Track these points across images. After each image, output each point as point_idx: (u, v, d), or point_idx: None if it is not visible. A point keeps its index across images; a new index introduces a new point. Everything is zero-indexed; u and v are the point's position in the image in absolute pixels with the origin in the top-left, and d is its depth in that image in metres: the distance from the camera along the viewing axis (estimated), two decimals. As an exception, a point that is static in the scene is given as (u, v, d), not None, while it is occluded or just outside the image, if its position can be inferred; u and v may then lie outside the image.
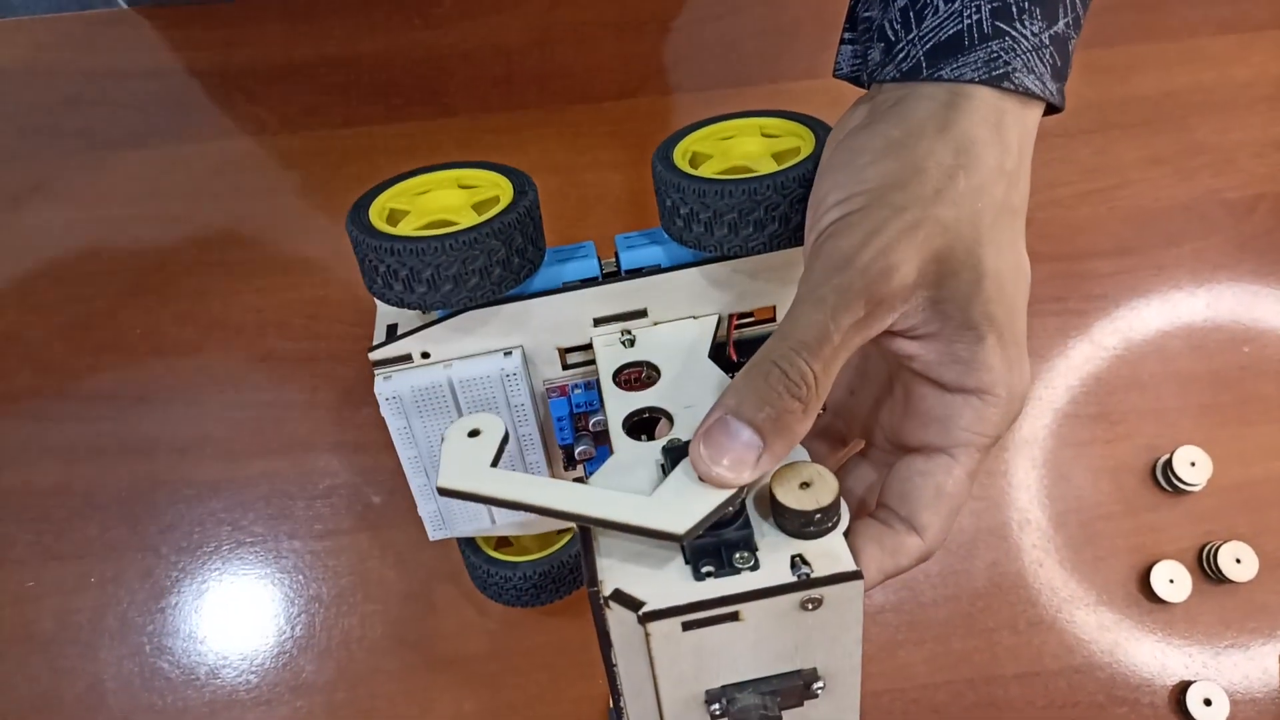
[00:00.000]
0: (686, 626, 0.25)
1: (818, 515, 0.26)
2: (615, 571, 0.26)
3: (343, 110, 0.57)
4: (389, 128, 0.56)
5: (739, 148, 0.34)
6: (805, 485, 0.26)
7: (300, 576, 0.47)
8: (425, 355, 0.34)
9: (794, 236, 0.32)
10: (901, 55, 0.29)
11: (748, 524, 0.27)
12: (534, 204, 0.33)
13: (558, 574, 0.42)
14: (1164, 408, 0.51)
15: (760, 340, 0.39)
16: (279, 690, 0.45)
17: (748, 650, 0.26)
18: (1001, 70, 0.27)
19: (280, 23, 0.59)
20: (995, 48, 0.27)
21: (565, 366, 0.36)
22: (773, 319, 0.37)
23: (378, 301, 0.38)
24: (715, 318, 0.35)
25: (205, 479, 0.49)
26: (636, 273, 0.34)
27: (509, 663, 0.46)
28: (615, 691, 0.28)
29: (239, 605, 0.47)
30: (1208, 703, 0.45)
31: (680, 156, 0.34)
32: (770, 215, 0.31)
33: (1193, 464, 0.48)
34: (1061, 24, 0.28)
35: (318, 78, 0.58)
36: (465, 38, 0.59)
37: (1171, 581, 0.47)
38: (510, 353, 0.34)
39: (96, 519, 0.48)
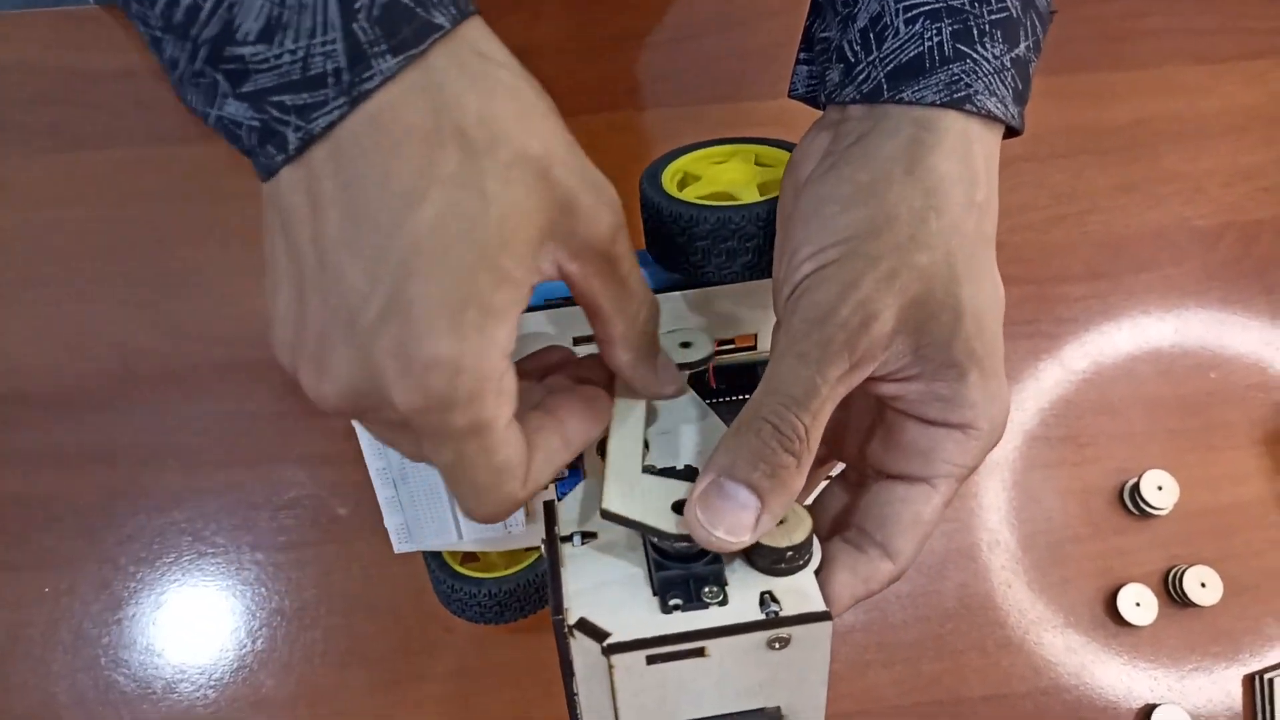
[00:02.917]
0: (651, 660, 0.25)
1: (789, 553, 0.25)
2: (582, 599, 0.26)
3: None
4: (364, 135, 0.56)
5: (728, 173, 0.34)
6: (779, 522, 0.26)
7: (262, 589, 0.46)
8: None
9: (767, 270, 0.32)
10: (862, 76, 0.28)
11: (718, 559, 0.26)
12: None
13: (524, 592, 0.41)
14: (1132, 432, 0.51)
15: (740, 368, 0.39)
16: (238, 706, 0.44)
17: (712, 686, 0.26)
18: (964, 93, 0.27)
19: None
20: (956, 70, 0.27)
21: None
22: (753, 346, 0.37)
23: None
24: None
25: (167, 489, 0.48)
26: None
27: (475, 681, 0.45)
28: (573, 713, 0.28)
29: (199, 618, 0.46)
30: (1172, 726, 0.46)
31: (669, 176, 0.34)
32: (744, 246, 0.31)
33: (1160, 488, 0.49)
34: (1022, 47, 0.28)
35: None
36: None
37: (1138, 605, 0.47)
38: None
39: (54, 529, 0.47)
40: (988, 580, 0.48)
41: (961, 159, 0.27)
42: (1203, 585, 0.47)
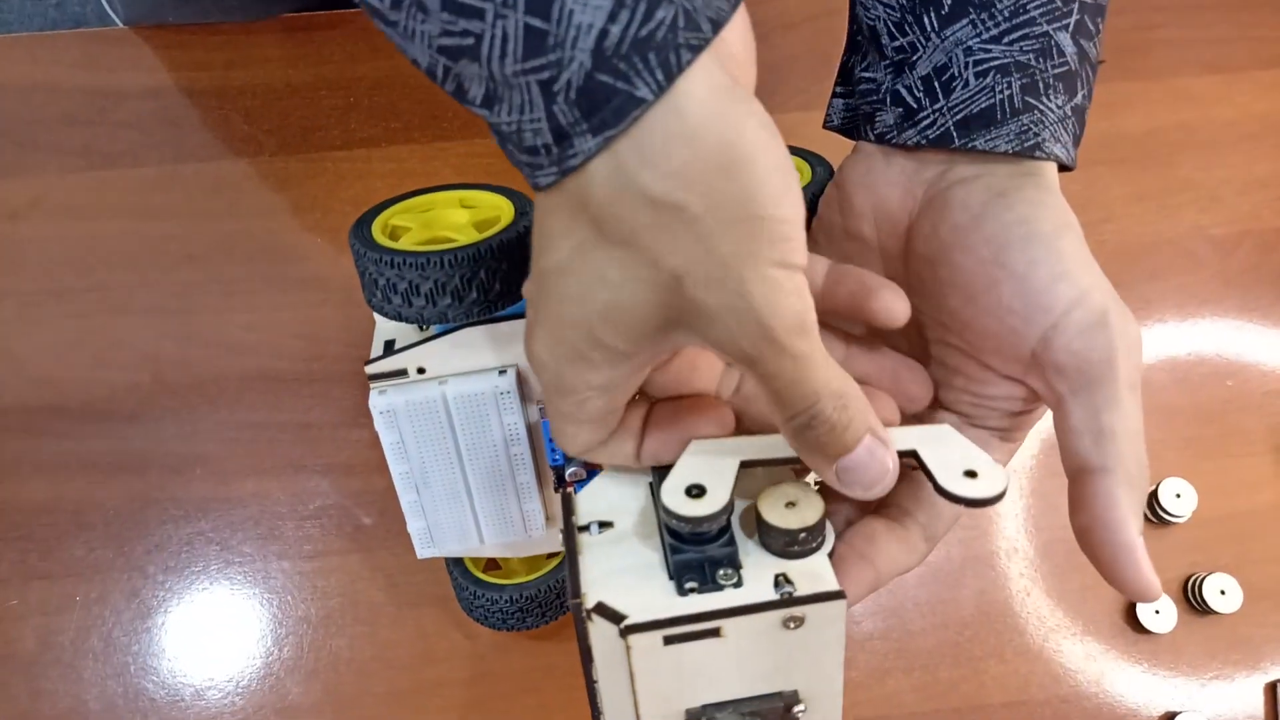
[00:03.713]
0: (668, 641, 0.25)
1: (802, 534, 0.26)
2: (599, 585, 0.26)
3: (340, 133, 0.57)
4: (386, 150, 0.57)
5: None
6: (791, 504, 0.26)
7: (289, 597, 0.47)
8: (421, 371, 0.35)
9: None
10: (927, 122, 0.30)
11: (732, 541, 0.27)
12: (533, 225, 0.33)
13: (545, 598, 0.42)
14: (1149, 439, 0.51)
15: None
16: (264, 713, 0.45)
17: (729, 668, 0.26)
18: (1033, 141, 0.29)
19: (279, 45, 0.59)
20: (1025, 121, 0.29)
21: None
22: None
23: (376, 317, 0.38)
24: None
25: (195, 499, 0.49)
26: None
27: (496, 687, 0.46)
28: (596, 710, 0.28)
29: (226, 626, 0.46)
30: (1193, 734, 0.46)
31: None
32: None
33: (1178, 495, 0.49)
34: (1080, 96, 0.30)
35: (316, 100, 0.58)
36: (464, 64, 0.59)
37: (1157, 612, 0.47)
38: (504, 371, 0.35)
39: (83, 538, 0.48)
40: (1006, 588, 0.49)
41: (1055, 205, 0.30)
42: (1222, 593, 0.47)
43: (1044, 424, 0.51)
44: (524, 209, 0.34)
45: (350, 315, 0.52)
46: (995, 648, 0.47)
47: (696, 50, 0.22)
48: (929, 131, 0.30)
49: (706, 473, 0.27)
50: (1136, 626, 0.47)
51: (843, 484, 0.26)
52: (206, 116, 0.58)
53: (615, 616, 0.25)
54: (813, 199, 0.34)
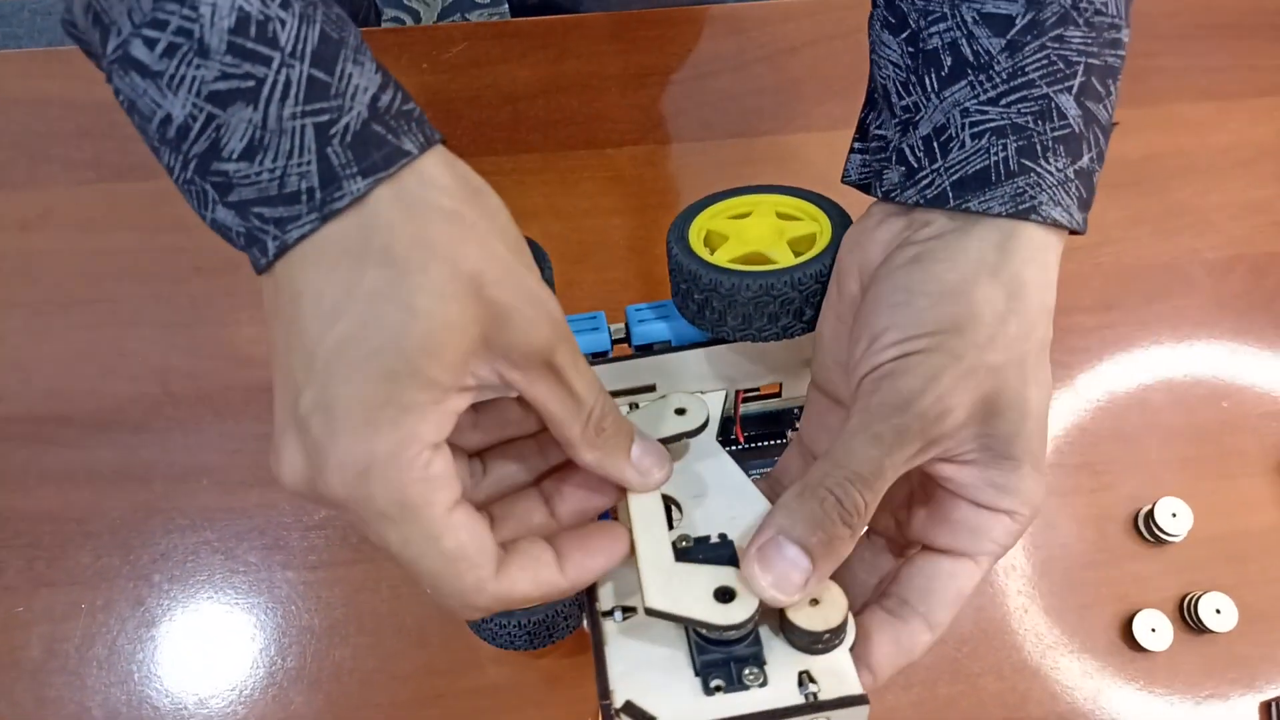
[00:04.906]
0: None
1: (826, 635, 0.26)
2: (626, 681, 0.26)
3: (350, 149, 0.58)
4: (395, 167, 0.58)
5: (754, 230, 0.35)
6: (814, 602, 0.27)
7: (293, 607, 0.47)
8: None
9: (806, 327, 0.33)
10: (925, 182, 0.30)
11: (758, 640, 0.27)
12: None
13: (553, 621, 0.42)
14: (1146, 459, 0.52)
15: (766, 416, 0.40)
16: (267, 722, 0.45)
17: None
18: (1028, 204, 0.28)
19: (291, 63, 0.60)
20: (1021, 184, 0.29)
21: None
22: (778, 394, 0.38)
23: None
24: (723, 393, 0.36)
25: (201, 508, 0.49)
26: (647, 349, 0.35)
27: (499, 699, 0.46)
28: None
29: (230, 635, 0.47)
30: (1189, 752, 0.46)
31: (695, 236, 0.35)
32: (785, 309, 0.32)
33: (1174, 515, 0.49)
34: (1085, 159, 0.29)
35: (327, 117, 0.59)
36: (473, 83, 0.60)
37: (1153, 631, 0.48)
38: None
39: (90, 546, 0.48)
40: (1004, 605, 0.49)
41: (1040, 266, 0.29)
42: (1218, 612, 0.48)
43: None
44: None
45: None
46: (993, 664, 0.48)
47: (441, 140, 0.26)
48: (927, 191, 0.30)
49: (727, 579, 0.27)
50: (1133, 644, 0.48)
51: (641, 473, 0.29)
52: (218, 131, 0.59)
53: (644, 718, 0.25)
54: (833, 258, 0.33)
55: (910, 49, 0.31)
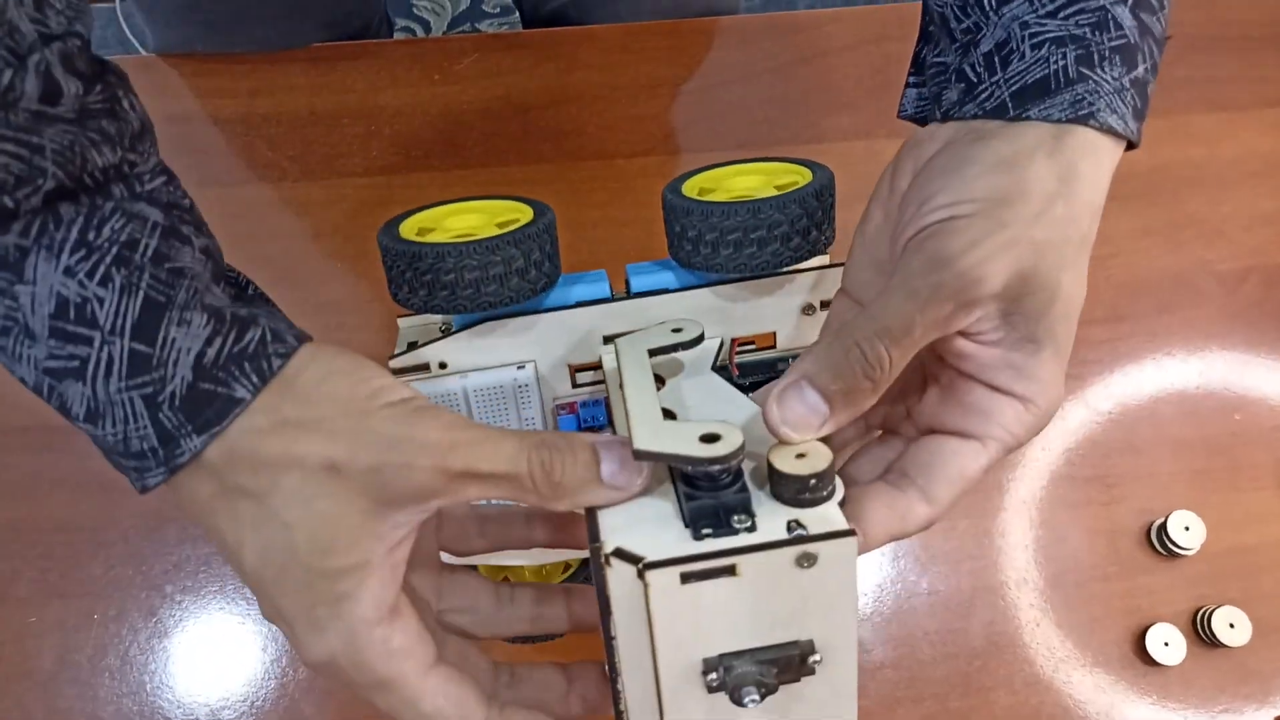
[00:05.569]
0: (685, 579, 0.26)
1: (813, 481, 0.27)
2: (617, 533, 0.27)
3: (362, 160, 0.58)
4: (407, 178, 0.58)
5: (742, 183, 0.38)
6: (801, 456, 0.27)
7: (304, 618, 0.47)
8: (443, 365, 0.36)
9: (794, 256, 0.35)
10: (985, 94, 0.31)
11: (745, 489, 0.27)
12: (551, 224, 0.36)
13: None
14: (1158, 472, 0.52)
15: (760, 365, 0.40)
16: (278, 733, 0.45)
17: (745, 614, 0.26)
18: (1086, 110, 0.29)
19: (304, 74, 0.61)
20: (1080, 90, 0.29)
21: (575, 385, 0.38)
22: (772, 345, 0.38)
23: (399, 321, 0.41)
24: (718, 340, 0.37)
25: (212, 518, 0.49)
26: (646, 294, 0.37)
27: (510, 711, 0.46)
28: (613, 669, 0.28)
29: (242, 646, 0.47)
30: (1203, 767, 0.46)
31: (689, 189, 0.37)
32: (772, 234, 0.34)
33: (1186, 528, 0.49)
34: (1140, 69, 0.30)
35: (339, 128, 0.59)
36: (484, 94, 0.60)
37: (1166, 644, 0.48)
38: (523, 366, 0.36)
39: (102, 556, 0.48)
40: (1016, 619, 0.49)
41: (1094, 164, 0.29)
42: (1231, 626, 0.48)
43: (1050, 456, 0.52)
44: (543, 212, 0.36)
45: (368, 339, 0.53)
46: (1005, 678, 0.48)
47: (285, 357, 0.27)
48: (986, 103, 0.30)
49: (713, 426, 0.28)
50: (1146, 659, 0.48)
51: (620, 488, 0.28)
52: (231, 143, 0.59)
53: (633, 558, 0.26)
54: (816, 192, 0.35)
55: None
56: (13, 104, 0.24)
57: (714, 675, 0.27)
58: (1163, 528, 0.49)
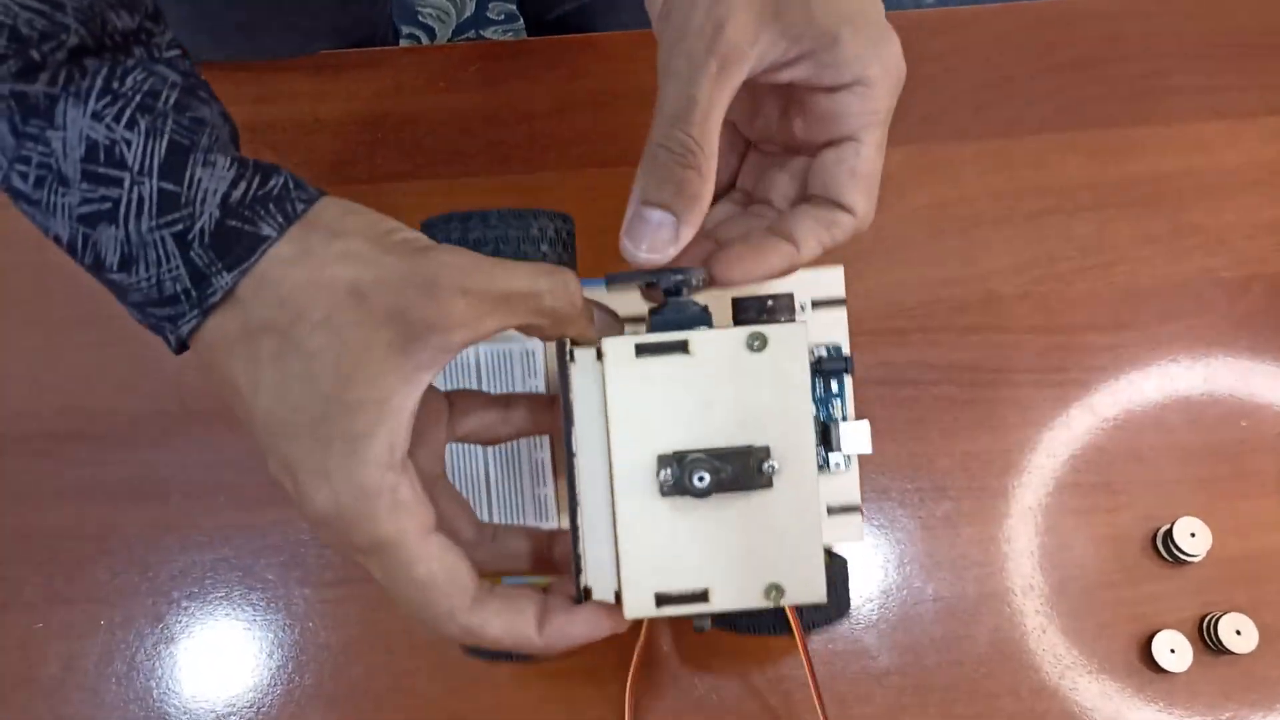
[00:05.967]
0: (640, 350, 0.27)
1: (770, 301, 0.29)
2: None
3: (366, 166, 0.59)
4: (412, 184, 0.58)
5: None
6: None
7: (310, 624, 0.47)
8: None
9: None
10: None
11: (708, 317, 0.29)
12: (571, 231, 0.38)
13: None
14: (1163, 479, 0.52)
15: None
16: (284, 740, 0.45)
17: (698, 404, 0.27)
18: None
19: (309, 81, 0.61)
20: None
21: None
22: None
23: None
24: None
25: (218, 525, 0.49)
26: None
27: (514, 718, 0.46)
28: (570, 469, 0.28)
29: (248, 652, 0.47)
30: (1210, 774, 0.46)
31: None
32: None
33: (1192, 535, 0.49)
34: None
35: (344, 134, 0.59)
36: (489, 102, 0.61)
37: (1172, 651, 0.48)
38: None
39: (107, 563, 0.48)
40: (1021, 625, 0.49)
41: None
42: (1238, 633, 0.47)
43: (1055, 463, 0.52)
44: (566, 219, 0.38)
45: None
46: (1010, 685, 0.48)
47: (308, 203, 0.28)
48: None
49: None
50: (1152, 665, 0.48)
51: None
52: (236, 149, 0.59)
53: (593, 344, 0.28)
54: None
55: None
56: None
57: (666, 473, 0.27)
58: (1168, 534, 0.50)
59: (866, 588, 0.49)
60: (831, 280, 0.45)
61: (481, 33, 1.42)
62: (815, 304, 0.38)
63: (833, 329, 0.44)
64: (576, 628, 0.28)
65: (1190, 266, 0.58)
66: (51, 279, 0.55)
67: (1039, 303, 0.56)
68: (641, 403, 0.27)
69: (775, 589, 0.27)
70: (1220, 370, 0.55)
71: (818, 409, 0.41)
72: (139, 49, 0.28)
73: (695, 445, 0.27)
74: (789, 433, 0.27)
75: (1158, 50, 0.63)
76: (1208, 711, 0.47)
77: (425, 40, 1.42)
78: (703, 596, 0.27)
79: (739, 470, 0.27)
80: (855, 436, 0.39)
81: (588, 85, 0.61)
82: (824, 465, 0.42)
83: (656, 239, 0.28)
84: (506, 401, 0.33)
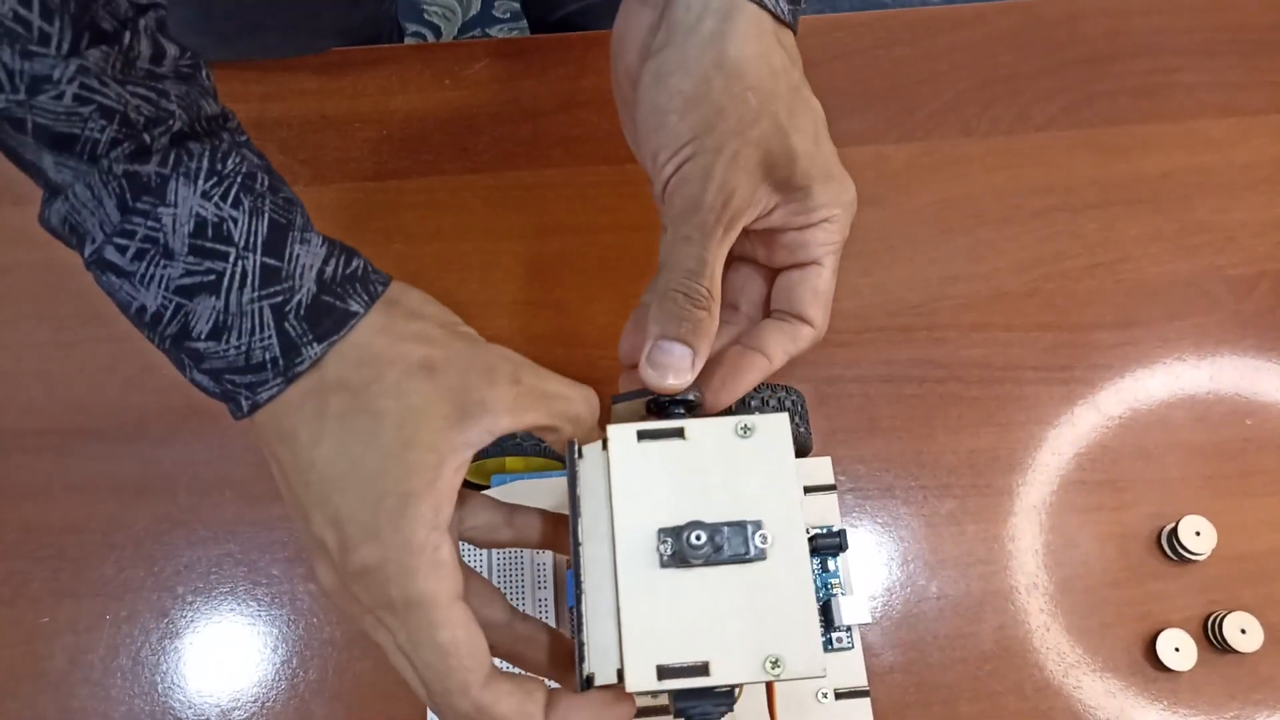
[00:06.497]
0: (640, 436, 0.30)
1: (753, 400, 0.33)
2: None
3: (373, 164, 0.59)
4: (417, 182, 0.58)
5: None
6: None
7: (315, 619, 0.47)
8: None
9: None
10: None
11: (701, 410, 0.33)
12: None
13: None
14: (1169, 477, 0.52)
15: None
16: (288, 735, 0.45)
17: (695, 484, 0.30)
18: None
19: (315, 79, 0.61)
20: None
21: None
22: None
23: None
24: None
25: (224, 521, 0.49)
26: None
27: (519, 713, 0.46)
28: (575, 547, 0.30)
29: (253, 647, 0.47)
30: (1214, 774, 0.45)
31: None
32: None
33: (1197, 533, 0.49)
34: None
35: (350, 132, 0.59)
36: (494, 99, 0.61)
37: (1177, 650, 0.47)
38: None
39: (114, 558, 0.49)
40: (1025, 623, 0.49)
41: (758, 36, 0.33)
42: (1243, 631, 0.47)
43: (1060, 461, 0.52)
44: None
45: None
46: (1015, 683, 0.48)
47: (386, 284, 0.31)
48: None
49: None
50: (1156, 664, 0.48)
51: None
52: (243, 147, 0.59)
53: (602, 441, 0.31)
54: None
55: None
56: (133, 62, 0.28)
57: (666, 544, 0.29)
58: (1173, 533, 0.49)
59: (871, 586, 0.49)
60: (821, 469, 0.48)
61: (487, 31, 1.42)
62: (807, 490, 0.42)
63: (826, 513, 0.47)
64: (583, 713, 0.29)
65: (1198, 264, 0.57)
66: (60, 277, 0.55)
67: (1045, 300, 0.56)
68: (643, 481, 0.30)
69: (774, 661, 0.28)
70: (1226, 368, 0.54)
71: (817, 588, 0.44)
72: (225, 134, 0.31)
73: (693, 520, 0.29)
74: (778, 508, 0.30)
75: (1165, 47, 0.63)
76: (1212, 710, 0.47)
77: (431, 38, 1.42)
78: (703, 670, 0.28)
79: (734, 541, 0.29)
80: (854, 608, 0.42)
81: (594, 82, 0.61)
82: (828, 644, 0.44)
83: (678, 364, 0.32)
84: (511, 509, 0.35)
